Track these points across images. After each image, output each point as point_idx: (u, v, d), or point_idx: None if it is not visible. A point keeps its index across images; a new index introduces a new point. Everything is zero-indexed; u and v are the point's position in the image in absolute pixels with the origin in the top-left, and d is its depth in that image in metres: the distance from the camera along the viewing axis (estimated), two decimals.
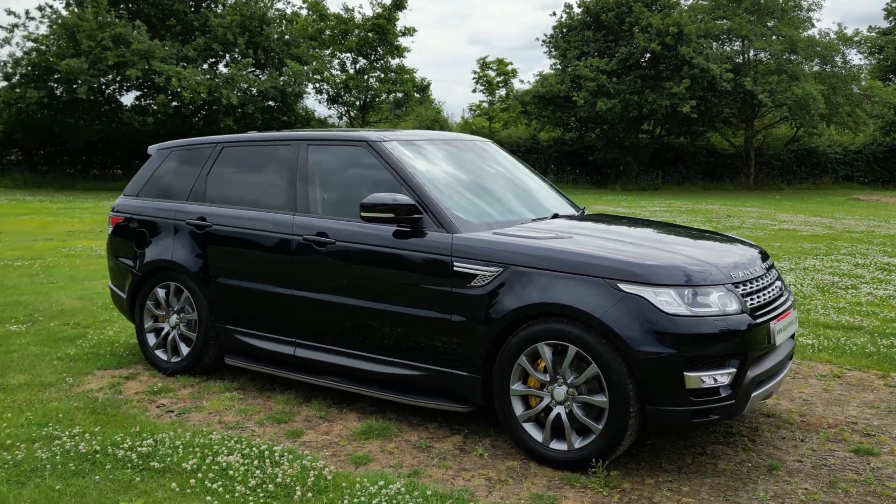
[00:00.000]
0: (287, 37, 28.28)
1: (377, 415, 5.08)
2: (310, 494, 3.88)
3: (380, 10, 30.42)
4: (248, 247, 5.46)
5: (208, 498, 3.82)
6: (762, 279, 4.56)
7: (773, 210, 22.35)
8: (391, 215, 4.68)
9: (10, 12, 25.47)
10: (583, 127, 35.65)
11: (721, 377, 4.10)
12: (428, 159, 5.24)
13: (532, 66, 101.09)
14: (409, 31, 31.39)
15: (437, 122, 34.44)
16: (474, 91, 36.80)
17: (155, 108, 24.66)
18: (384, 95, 30.80)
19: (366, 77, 30.95)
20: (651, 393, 4.07)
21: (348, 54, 31.28)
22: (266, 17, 27.14)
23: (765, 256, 4.91)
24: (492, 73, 34.88)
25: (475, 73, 34.86)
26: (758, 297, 4.42)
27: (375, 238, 4.88)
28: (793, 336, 4.94)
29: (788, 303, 4.75)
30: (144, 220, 6.05)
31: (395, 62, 31.57)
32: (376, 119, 32.98)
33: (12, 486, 3.96)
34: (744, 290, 4.34)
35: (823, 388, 5.79)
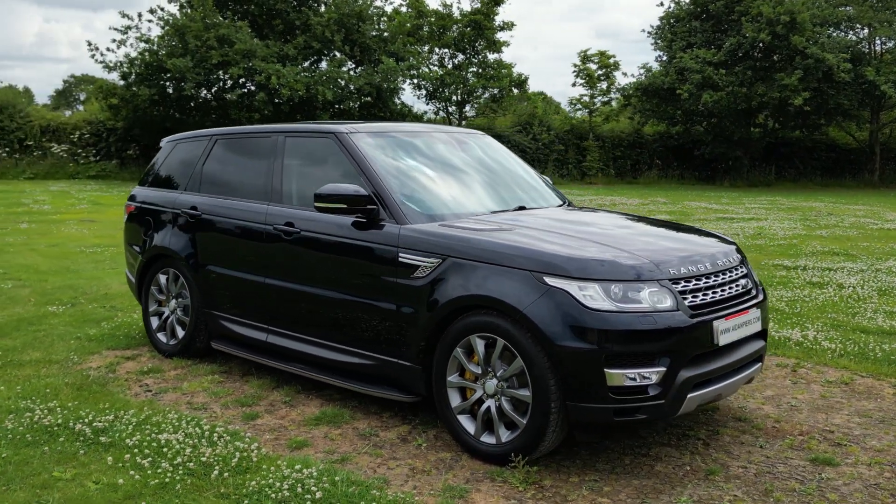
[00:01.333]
0: (386, 34, 28.77)
1: (338, 402, 5.17)
2: (226, 474, 4.01)
3: (478, 6, 30.48)
4: (230, 235, 5.67)
5: (132, 472, 4.01)
6: (716, 276, 4.36)
7: (886, 209, 20.96)
8: (343, 206, 4.75)
9: (124, 15, 27.05)
10: (688, 120, 34.53)
11: (648, 376, 3.95)
12: (395, 152, 5.27)
13: (651, 59, 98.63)
14: (507, 26, 31.31)
15: (534, 116, 34.18)
16: (574, 85, 36.19)
17: (256, 104, 25.59)
18: (480, 91, 30.84)
19: (463, 72, 31.08)
20: (571, 389, 3.97)
21: (446, 50, 31.50)
22: (363, 15, 27.70)
23: (730, 253, 4.66)
24: (593, 66, 34.27)
25: (575, 66, 34.38)
26: (703, 294, 4.23)
27: (335, 228, 4.96)
28: (762, 337, 4.69)
29: (751, 302, 4.51)
30: (150, 208, 6.37)
31: (493, 57, 31.55)
32: (473, 114, 33.08)
33: None
34: (684, 286, 4.16)
35: (822, 394, 5.45)
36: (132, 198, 6.64)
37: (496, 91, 31.09)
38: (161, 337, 6.26)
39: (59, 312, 7.62)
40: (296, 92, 25.07)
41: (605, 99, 35.12)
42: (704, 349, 4.14)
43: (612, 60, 34.47)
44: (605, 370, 3.91)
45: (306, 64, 27.55)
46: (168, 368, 5.90)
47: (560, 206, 5.62)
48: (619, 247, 4.30)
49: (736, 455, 4.40)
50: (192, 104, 28.16)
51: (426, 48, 31.52)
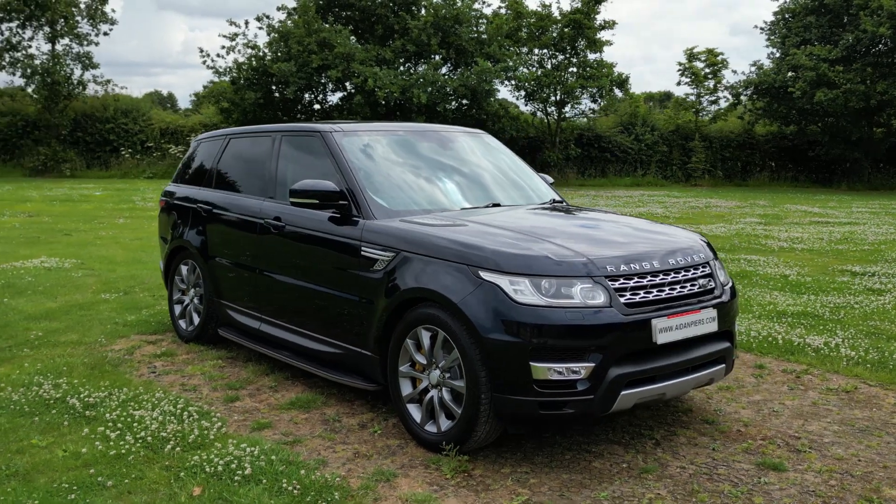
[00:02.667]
0: (485, 36, 28.94)
1: (318, 389, 5.41)
2: (178, 449, 4.30)
3: (578, 6, 30.17)
4: (233, 229, 6.00)
5: (97, 443, 4.36)
6: (664, 275, 4.31)
7: None
8: (315, 201, 4.98)
9: (232, 23, 28.46)
10: (803, 120, 32.96)
11: (577, 371, 3.98)
12: (377, 151, 5.44)
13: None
14: (608, 25, 30.83)
15: (635, 115, 33.50)
16: (678, 84, 35.20)
17: (353, 106, 26.33)
18: (578, 91, 30.50)
19: (562, 73, 30.85)
20: (499, 381, 4.04)
21: (545, 50, 31.34)
22: (460, 18, 27.95)
23: (690, 253, 4.57)
24: (699, 65, 33.22)
25: (680, 64, 33.42)
26: (645, 292, 4.20)
27: (314, 223, 5.19)
28: (726, 339, 4.59)
29: (705, 302, 4.42)
30: (175, 204, 6.81)
31: (593, 56, 31.14)
32: (573, 114, 32.76)
33: None
34: (623, 284, 4.15)
35: (814, 401, 5.26)
36: (164, 193, 7.10)
37: (595, 91, 30.66)
38: (182, 323, 6.69)
39: (111, 300, 8.22)
40: (391, 94, 25.62)
41: (713, 98, 33.99)
42: (641, 347, 4.12)
43: (720, 58, 33.33)
44: (531, 363, 3.96)
45: (403, 67, 28.05)
46: (181, 353, 6.30)
47: (542, 204, 5.64)
48: (562, 244, 4.32)
49: (681, 455, 4.34)
50: (298, 107, 29.26)
51: (524, 49, 31.45)
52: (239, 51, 27.28)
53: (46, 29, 30.11)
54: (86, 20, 30.79)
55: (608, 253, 4.28)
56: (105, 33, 31.46)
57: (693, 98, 33.92)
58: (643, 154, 33.77)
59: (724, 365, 4.59)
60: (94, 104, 31.35)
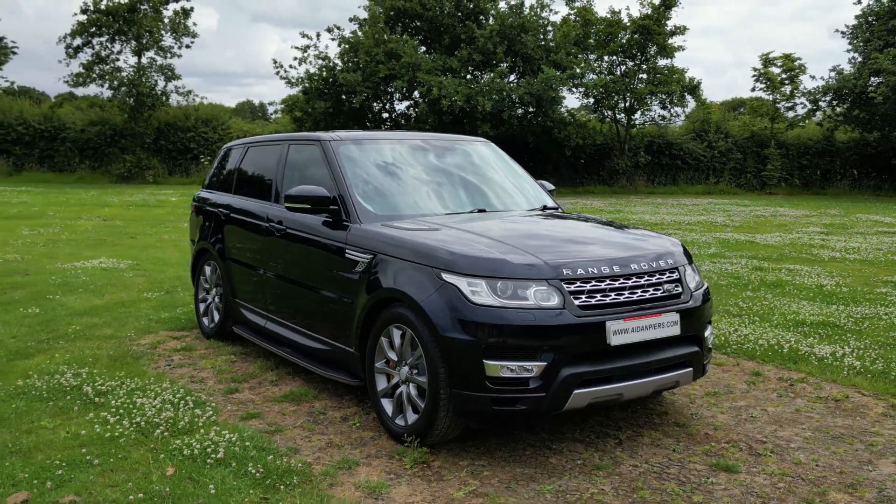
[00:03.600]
0: (552, 43, 29.02)
1: (315, 384, 5.71)
2: (166, 433, 4.66)
3: (647, 12, 29.90)
4: (245, 231, 6.37)
5: (96, 426, 4.75)
6: (624, 279, 4.43)
7: None
8: (308, 206, 5.28)
9: (304, 35, 29.34)
10: (886, 126, 31.75)
11: (529, 369, 4.15)
12: (372, 159, 5.71)
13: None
14: (679, 31, 30.44)
15: (708, 122, 32.93)
16: (753, 90, 34.35)
17: (419, 115, 26.79)
18: (647, 97, 30.21)
19: (630, 79, 30.61)
20: (455, 377, 4.24)
21: (615, 57, 31.16)
22: (527, 26, 28.11)
23: (656, 258, 4.68)
24: (775, 70, 32.38)
25: (755, 70, 32.63)
26: (602, 295, 4.34)
27: (309, 227, 5.50)
28: (695, 343, 4.67)
29: (668, 306, 4.52)
30: (202, 208, 7.25)
31: (663, 62, 30.80)
32: (642, 121, 32.44)
33: (1, 399, 5.24)
34: (579, 287, 4.29)
35: (798, 408, 5.27)
36: (194, 198, 7.55)
37: (665, 97, 30.31)
38: (205, 321, 7.11)
39: (152, 298, 8.75)
40: (456, 103, 25.96)
41: (790, 104, 33.10)
42: (594, 348, 4.25)
43: (797, 63, 32.45)
44: (484, 361, 4.15)
45: (468, 76, 28.37)
46: (200, 348, 6.71)
47: (529, 210, 5.80)
48: (524, 248, 4.49)
49: (639, 455, 4.45)
50: (369, 115, 29.95)
51: (592, 56, 31.35)
52: (310, 62, 28.11)
53: (133, 43, 31.65)
54: (170, 34, 32.24)
55: (567, 257, 4.43)
56: (187, 46, 32.90)
57: (770, 102, 33.09)
58: (716, 161, 33.18)
59: (690, 369, 4.67)
60: (177, 114, 32.80)
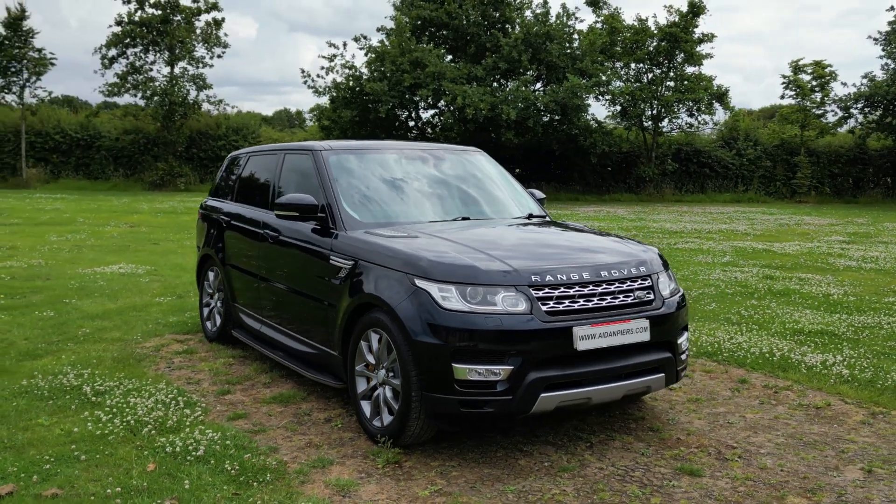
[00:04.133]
0: (578, 51, 29.08)
1: (305, 386, 5.88)
2: (153, 432, 4.85)
3: (675, 19, 29.82)
4: (243, 238, 6.58)
5: (89, 424, 4.96)
6: (594, 286, 4.53)
7: None
8: (296, 213, 5.46)
9: (330, 44, 29.79)
10: None
11: (497, 372, 4.27)
12: (361, 168, 5.87)
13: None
14: (707, 38, 30.30)
15: (736, 129, 32.69)
16: (782, 97, 34.04)
17: (442, 123, 27.01)
18: (674, 105, 30.09)
19: (657, 87, 30.54)
20: (425, 380, 4.38)
21: (641, 64, 31.12)
22: (552, 34, 28.22)
23: (627, 265, 4.77)
24: (805, 77, 32.08)
25: (784, 77, 32.37)
26: (571, 301, 4.44)
27: (300, 234, 5.68)
28: (666, 349, 4.76)
29: (637, 312, 4.61)
30: (207, 215, 7.48)
31: (691, 70, 30.67)
32: (670, 129, 32.30)
33: (4, 397, 5.46)
34: (547, 293, 4.40)
35: (777, 415, 5.32)
36: (201, 205, 7.78)
37: (692, 104, 30.18)
38: (208, 325, 7.33)
39: (163, 303, 9.00)
40: (480, 111, 26.12)
41: (820, 111, 32.75)
42: (561, 353, 4.36)
43: (827, 70, 32.10)
44: (453, 364, 4.28)
45: (495, 84, 28.52)
46: (201, 351, 6.92)
47: (513, 218, 5.92)
48: (497, 255, 4.61)
49: (607, 458, 4.54)
50: (396, 123, 30.23)
51: (619, 64, 31.34)
52: (337, 71, 28.48)
53: (166, 53, 32.32)
54: (201, 44, 32.86)
55: (537, 264, 4.55)
56: (219, 56, 33.50)
57: (800, 110, 32.76)
58: (745, 169, 32.94)
59: (662, 374, 4.75)
60: (208, 122, 33.41)
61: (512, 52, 27.37)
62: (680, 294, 5.06)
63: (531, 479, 4.27)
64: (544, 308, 4.37)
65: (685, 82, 30.48)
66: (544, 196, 6.59)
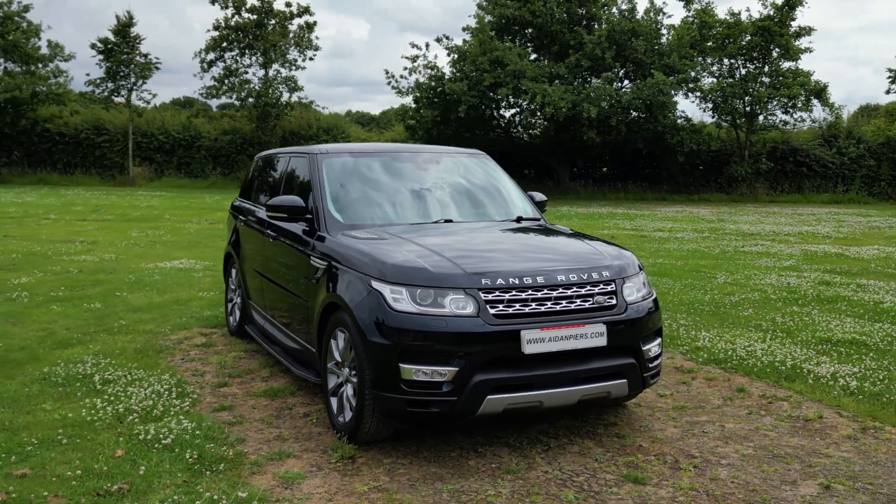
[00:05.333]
0: (665, 47, 28.43)
1: (299, 381, 6.08)
2: (137, 420, 5.14)
3: (769, 12, 28.71)
4: (253, 238, 6.85)
5: (83, 411, 5.31)
6: (549, 290, 4.53)
7: None
8: (285, 215, 5.68)
9: (413, 45, 30.20)
10: None
11: (443, 373, 4.34)
12: (352, 171, 6.00)
13: None
14: (805, 31, 29.03)
15: (837, 126, 31.17)
16: (888, 92, 32.20)
17: (523, 121, 26.94)
18: (772, 102, 28.95)
19: (750, 83, 29.47)
20: (376, 379, 4.49)
21: (733, 60, 30.09)
22: (638, 30, 27.68)
23: (589, 270, 4.74)
24: None
25: (890, 71, 30.61)
26: (522, 304, 4.46)
27: (292, 234, 5.89)
28: (629, 355, 4.70)
29: (593, 317, 4.57)
30: (231, 214, 7.80)
31: (787, 65, 29.45)
32: (762, 126, 31.06)
33: (23, 383, 5.89)
34: (497, 296, 4.44)
35: (759, 426, 5.17)
36: (231, 205, 8.13)
37: (787, 101, 28.98)
38: (231, 320, 7.66)
39: (205, 297, 9.43)
40: (560, 110, 25.92)
41: None
42: (508, 356, 4.39)
43: None
44: (400, 364, 4.38)
45: (576, 82, 28.20)
46: (219, 345, 7.25)
47: (498, 221, 5.93)
48: (454, 258, 4.66)
49: (557, 462, 4.54)
50: (477, 123, 30.31)
51: (709, 59, 30.43)
52: (419, 71, 28.83)
53: (260, 56, 33.51)
54: (294, 48, 33.89)
55: (492, 268, 4.58)
56: (311, 58, 34.47)
57: None
58: (846, 169, 31.40)
59: (624, 380, 4.70)
60: (300, 123, 34.43)
61: (595, 49, 27.01)
62: (649, 300, 4.98)
63: (472, 479, 4.32)
64: (492, 311, 4.41)
65: (780, 78, 29.30)
66: (545, 199, 6.56)
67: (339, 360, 4.95)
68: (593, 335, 4.56)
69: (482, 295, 4.43)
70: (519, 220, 6.02)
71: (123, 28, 34.05)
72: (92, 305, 8.81)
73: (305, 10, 33.65)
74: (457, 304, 4.40)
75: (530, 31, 29.64)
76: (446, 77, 28.08)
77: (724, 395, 5.82)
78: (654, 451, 4.71)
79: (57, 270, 11.19)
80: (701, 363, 6.65)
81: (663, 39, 28.99)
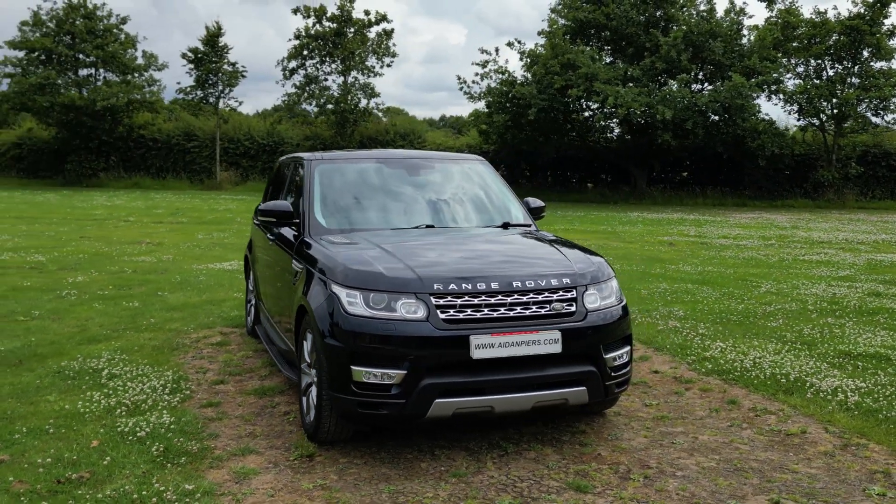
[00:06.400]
0: (746, 48, 27.60)
1: (290, 381, 6.25)
2: (123, 413, 5.41)
3: (860, 10, 27.47)
4: (261, 241, 7.08)
5: (80, 403, 5.60)
6: (503, 295, 4.55)
7: None
8: (273, 219, 5.87)
9: (483, 51, 30.25)
10: None
11: (392, 376, 4.42)
12: (342, 177, 6.13)
13: None
14: None
15: None
16: None
17: (595, 125, 26.61)
18: (855, 102, 27.65)
19: (838, 85, 28.24)
20: (331, 380, 4.60)
21: (819, 61, 28.91)
22: (715, 31, 26.97)
23: (549, 277, 4.72)
24: None
25: None
26: (473, 310, 4.49)
27: (285, 238, 6.08)
28: (589, 363, 4.67)
29: (548, 324, 4.56)
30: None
31: (878, 65, 28.11)
32: (851, 129, 29.69)
33: (39, 375, 6.26)
34: (450, 301, 4.48)
35: (732, 438, 5.04)
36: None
37: (878, 102, 27.63)
38: (249, 320, 7.93)
39: (238, 298, 9.76)
40: (633, 112, 25.51)
41: None
42: (456, 360, 4.42)
43: None
44: (351, 367, 4.48)
45: (652, 84, 27.66)
46: (233, 344, 7.51)
47: (479, 226, 5.95)
48: (414, 263, 4.73)
49: (507, 467, 4.54)
50: (550, 126, 30.09)
51: (793, 60, 29.32)
52: (490, 76, 28.87)
53: (339, 64, 34.26)
54: (372, 55, 34.50)
55: (445, 273, 4.63)
56: (388, 65, 35.01)
57: None
58: None
59: (584, 388, 4.66)
60: (378, 128, 35.02)
61: (671, 51, 26.46)
62: (617, 307, 4.92)
63: (417, 481, 4.37)
64: (442, 316, 4.45)
65: (870, 79, 28.00)
66: (542, 205, 6.52)
67: (309, 361, 5.08)
68: (547, 342, 4.54)
69: (433, 299, 4.48)
70: (505, 226, 6.02)
71: (212, 38, 35.41)
72: (131, 304, 9.24)
73: (383, 18, 34.26)
74: (408, 309, 4.47)
75: (606, 33, 29.29)
76: (517, 81, 28.04)
77: (713, 406, 5.67)
78: (611, 460, 4.65)
79: (113, 270, 11.79)
80: (703, 374, 6.49)
81: (744, 40, 28.14)
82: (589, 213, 23.92)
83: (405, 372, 4.39)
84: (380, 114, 34.86)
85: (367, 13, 34.13)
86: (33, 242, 15.04)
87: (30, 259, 12.79)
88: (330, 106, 33.56)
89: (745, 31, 28.33)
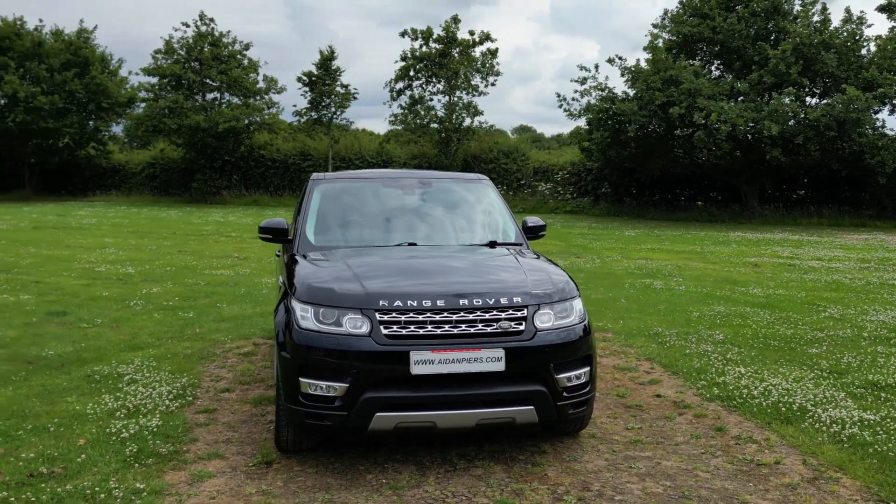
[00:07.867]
0: (865, 60, 26.15)
1: None
2: (122, 416, 5.80)
3: None
4: (281, 255, 7.40)
5: (90, 405, 6.05)
6: (449, 312, 4.63)
7: None
8: (270, 236, 6.17)
9: (581, 67, 29.87)
10: None
11: (335, 388, 4.58)
12: (339, 196, 6.38)
13: None
14: None
15: None
16: None
17: (695, 141, 25.77)
18: None
19: None
20: (284, 391, 4.81)
21: None
22: (828, 43, 25.66)
23: (502, 294, 4.76)
24: None
25: None
26: (417, 326, 4.59)
27: (284, 255, 6.36)
28: (538, 382, 4.67)
29: (496, 343, 4.59)
30: None
31: None
32: None
33: (71, 378, 6.79)
34: (394, 317, 4.60)
35: (697, 466, 4.89)
36: None
37: None
38: None
39: None
40: (738, 128, 24.63)
41: None
42: (397, 375, 4.53)
43: None
44: (300, 378, 4.67)
45: (760, 99, 26.57)
46: (260, 354, 7.86)
47: (467, 245, 6.00)
48: (366, 279, 4.88)
49: (446, 482, 4.60)
50: (650, 143, 29.38)
51: None
52: (590, 93, 28.58)
53: (444, 84, 34.83)
54: (476, 74, 34.88)
55: (393, 289, 4.75)
56: (492, 84, 35.26)
57: None
58: None
59: (531, 407, 4.66)
60: (482, 147, 35.31)
61: (780, 64, 25.37)
62: (575, 327, 4.89)
63: (354, 492, 4.49)
64: (385, 331, 4.58)
65: None
66: (542, 224, 6.50)
67: None
68: (490, 360, 4.58)
69: (377, 315, 4.61)
70: (492, 244, 6.06)
71: (325, 61, 36.78)
72: (186, 315, 9.80)
73: (487, 37, 34.55)
74: (353, 324, 4.62)
75: (713, 47, 28.46)
76: (617, 98, 27.64)
77: (696, 433, 5.50)
78: (554, 481, 4.62)
79: (189, 283, 12.49)
80: (706, 399, 6.28)
81: (863, 51, 26.67)
82: (686, 233, 23.21)
83: (347, 385, 4.54)
84: (482, 130, 35.18)
85: (471, 33, 34.58)
86: (132, 255, 16.11)
87: (121, 271, 13.72)
88: (434, 125, 34.15)
89: (863, 43, 26.82)
